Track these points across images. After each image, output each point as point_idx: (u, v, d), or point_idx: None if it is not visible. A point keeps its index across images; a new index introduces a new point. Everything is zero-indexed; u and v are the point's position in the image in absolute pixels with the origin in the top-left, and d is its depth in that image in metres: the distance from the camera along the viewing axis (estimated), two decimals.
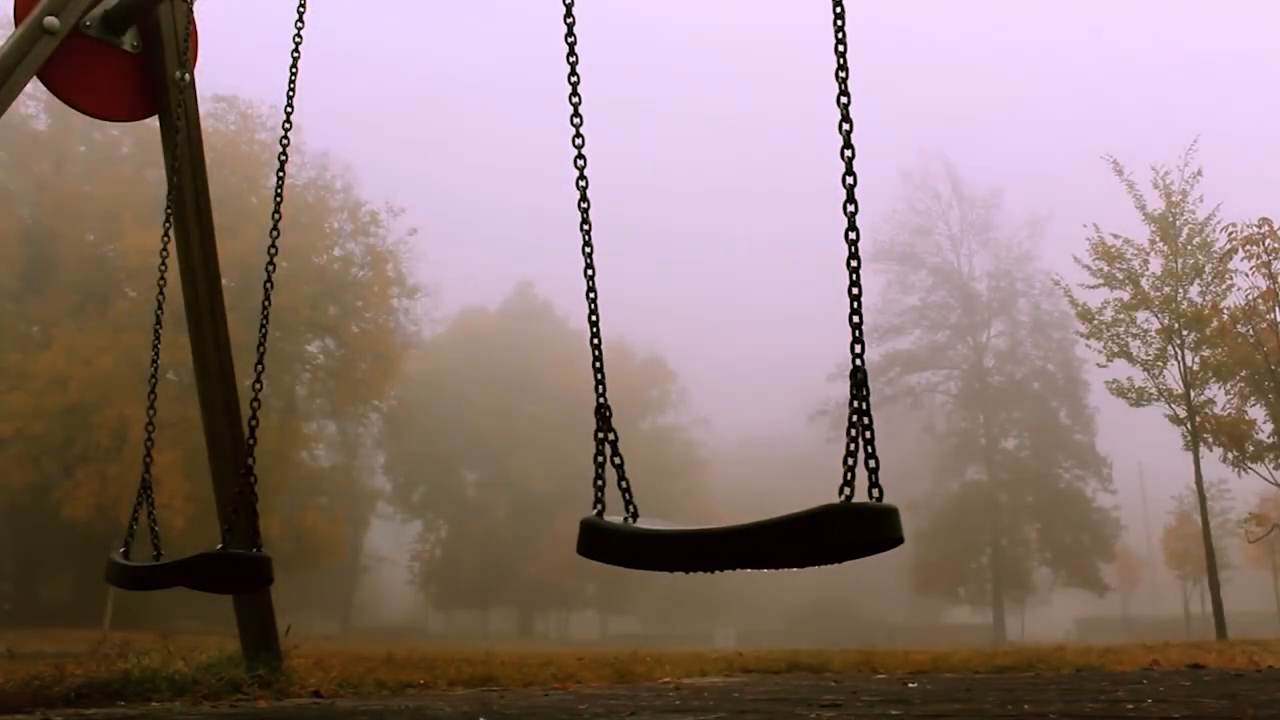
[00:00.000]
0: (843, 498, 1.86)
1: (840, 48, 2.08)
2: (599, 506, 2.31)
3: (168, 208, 4.39)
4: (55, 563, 32.89)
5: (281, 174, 3.95)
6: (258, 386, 3.52)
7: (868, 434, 1.91)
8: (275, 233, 3.78)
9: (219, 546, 3.77)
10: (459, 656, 9.07)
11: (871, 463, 1.91)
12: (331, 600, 50.37)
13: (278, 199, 3.78)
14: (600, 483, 2.34)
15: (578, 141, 2.59)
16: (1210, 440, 21.90)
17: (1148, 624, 48.63)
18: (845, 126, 2.04)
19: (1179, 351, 22.09)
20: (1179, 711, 3.14)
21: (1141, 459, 58.68)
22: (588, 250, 2.55)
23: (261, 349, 3.61)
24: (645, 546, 2.16)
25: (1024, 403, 50.19)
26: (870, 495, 1.90)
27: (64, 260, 32.36)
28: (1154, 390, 22.37)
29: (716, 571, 2.11)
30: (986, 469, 49.94)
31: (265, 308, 3.73)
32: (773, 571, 2.14)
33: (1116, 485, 48.58)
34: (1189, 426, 21.76)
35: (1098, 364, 23.52)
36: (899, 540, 1.90)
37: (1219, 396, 22.26)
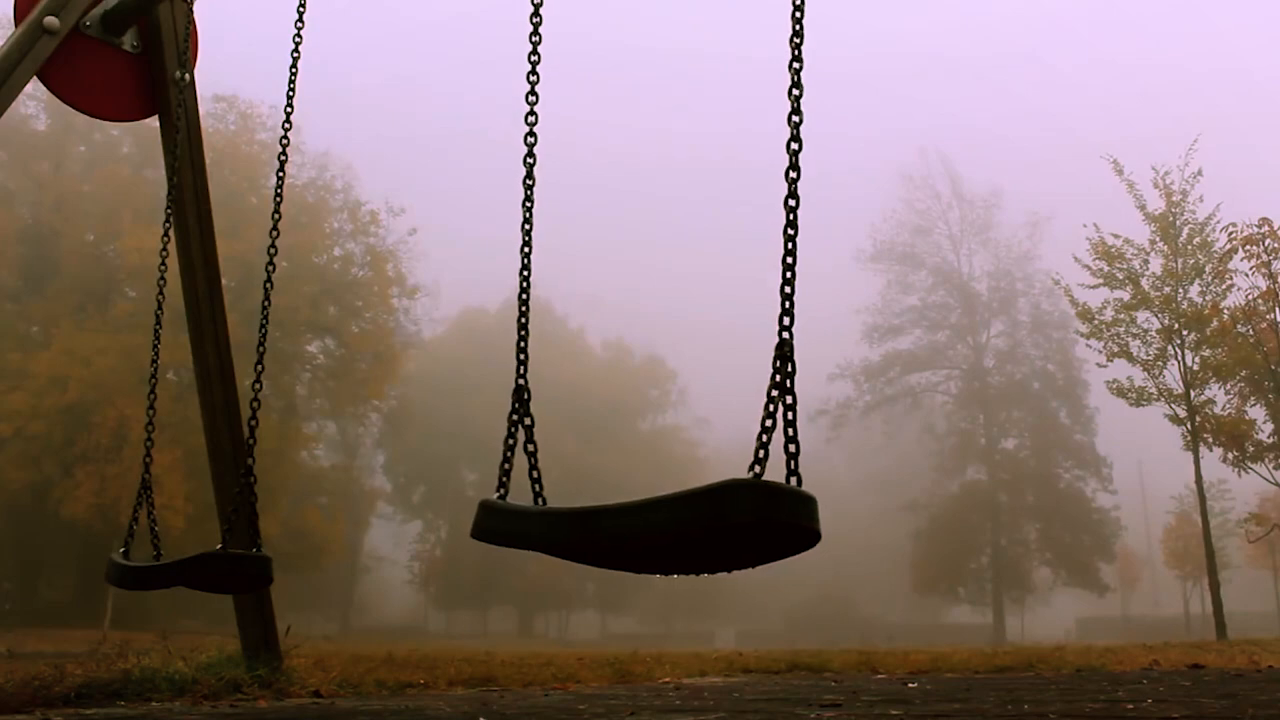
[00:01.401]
0: (751, 474, 1.70)
1: (796, 40, 2.04)
2: (501, 490, 2.21)
3: (168, 207, 4.39)
4: (55, 563, 32.89)
5: (281, 174, 3.95)
6: (258, 386, 3.52)
7: (790, 415, 1.77)
8: (275, 233, 3.78)
9: (219, 546, 3.77)
10: (459, 656, 9.07)
11: (792, 447, 1.78)
12: (331, 600, 50.37)
13: (278, 199, 3.78)
14: (507, 466, 2.21)
15: (530, 141, 2.55)
16: (1210, 440, 21.90)
17: (1148, 624, 48.63)
18: (795, 118, 1.98)
19: (1179, 351, 22.09)
20: (1179, 711, 3.14)
21: (1141, 459, 58.73)
22: (527, 228, 2.52)
23: (261, 349, 3.62)
24: (536, 525, 2.03)
25: (1024, 403, 50.19)
26: (788, 482, 1.73)
27: (64, 260, 32.36)
28: (1154, 390, 22.37)
29: (623, 564, 1.98)
30: (986, 469, 49.93)
31: (265, 308, 3.74)
32: (749, 572, 2.02)
33: (1116, 485, 48.59)
34: (1189, 426, 21.76)
35: (1098, 364, 23.53)
36: (813, 533, 1.71)
37: (1219, 396, 22.27)
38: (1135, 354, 22.49)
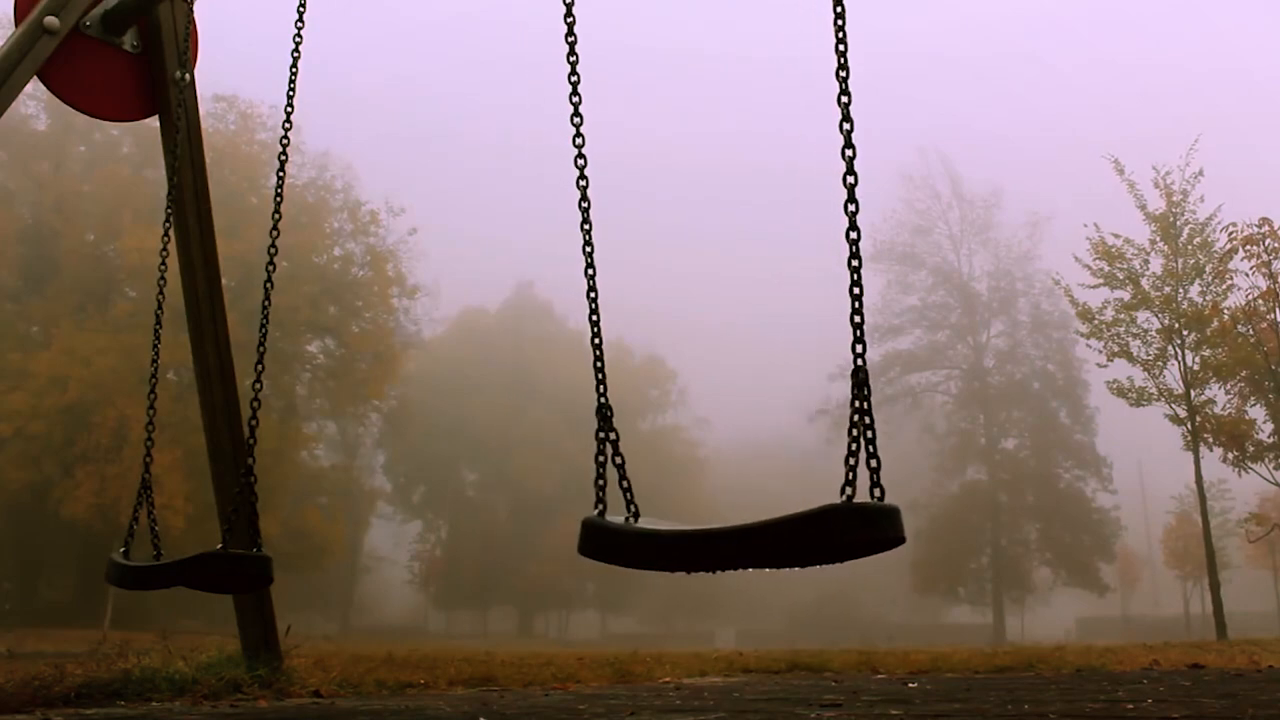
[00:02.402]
0: (844, 497, 1.86)
1: (841, 47, 2.09)
2: (600, 506, 2.30)
3: (168, 207, 4.38)
4: (55, 563, 32.89)
5: (281, 174, 3.95)
6: (258, 386, 3.52)
7: (869, 434, 1.90)
8: (275, 233, 3.78)
9: (219, 546, 3.77)
10: (459, 656, 9.07)
11: (873, 463, 1.91)
12: (331, 600, 50.35)
13: (278, 199, 3.78)
14: (601, 482, 2.32)
15: (578, 141, 2.59)
16: (1210, 440, 21.89)
17: (1148, 624, 48.62)
18: (846, 126, 2.04)
19: (1179, 351, 22.08)
20: (1179, 711, 3.14)
21: (1141, 459, 58.69)
22: (588, 250, 2.54)
23: (261, 349, 3.61)
24: (647, 546, 2.15)
25: (1024, 403, 50.19)
26: (872, 495, 1.89)
27: (64, 260, 32.36)
28: (1154, 390, 22.37)
29: (718, 571, 2.11)
30: (986, 469, 49.93)
31: (265, 308, 3.73)
32: (774, 571, 2.13)
33: (1116, 485, 48.58)
34: (1189, 426, 21.75)
35: (1098, 364, 23.52)
36: (900, 540, 1.89)
37: (1219, 396, 22.26)
38: (1135, 354, 22.49)
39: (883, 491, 1.90)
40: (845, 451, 1.89)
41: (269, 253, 3.69)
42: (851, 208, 2.04)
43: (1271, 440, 21.77)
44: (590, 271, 2.55)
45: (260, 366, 3.57)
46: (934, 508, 48.10)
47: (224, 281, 4.91)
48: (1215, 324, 21.69)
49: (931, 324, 51.97)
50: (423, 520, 59.34)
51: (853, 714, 3.32)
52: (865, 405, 1.92)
